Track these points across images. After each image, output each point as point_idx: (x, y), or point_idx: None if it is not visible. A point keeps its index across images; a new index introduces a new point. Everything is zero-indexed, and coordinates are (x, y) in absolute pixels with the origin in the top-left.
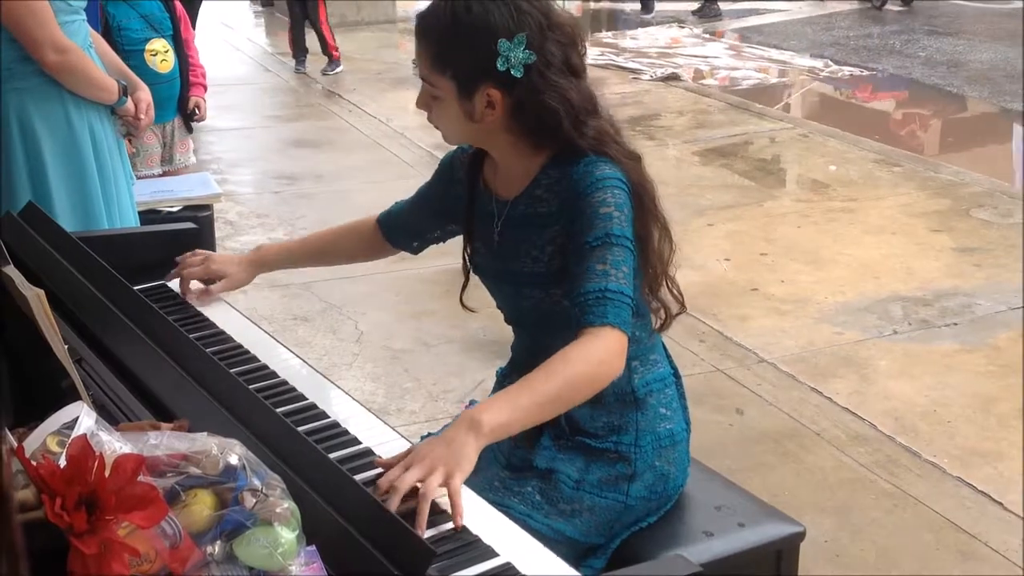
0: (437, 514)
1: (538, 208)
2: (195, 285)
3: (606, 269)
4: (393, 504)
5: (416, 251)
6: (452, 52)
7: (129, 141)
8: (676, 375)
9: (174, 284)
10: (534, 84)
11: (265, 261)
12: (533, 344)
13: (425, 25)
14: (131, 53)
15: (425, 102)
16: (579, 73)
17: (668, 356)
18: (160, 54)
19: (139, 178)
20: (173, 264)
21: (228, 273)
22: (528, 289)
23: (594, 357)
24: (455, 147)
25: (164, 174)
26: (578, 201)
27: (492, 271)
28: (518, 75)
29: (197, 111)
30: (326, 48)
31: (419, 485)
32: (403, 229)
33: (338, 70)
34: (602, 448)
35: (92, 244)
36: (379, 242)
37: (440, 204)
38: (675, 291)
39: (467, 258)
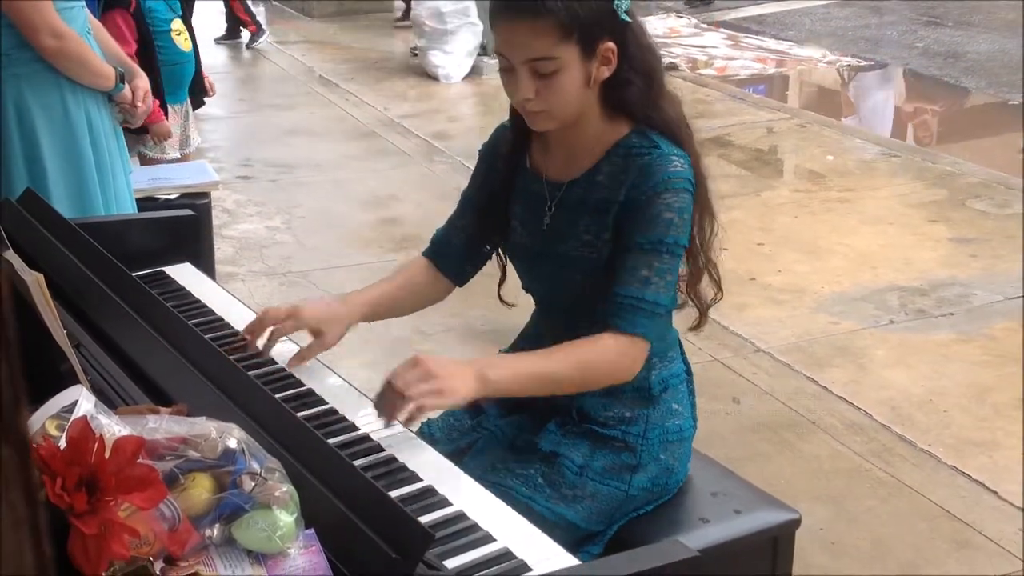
0: (436, 503)
1: (597, 193)
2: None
3: (649, 276)
4: (399, 408)
5: (467, 278)
6: (578, 14)
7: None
8: (688, 372)
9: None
10: (636, 28)
11: (354, 318)
12: (560, 327)
13: (537, 4)
14: (159, 34)
15: (532, 86)
16: None
17: (683, 352)
18: (183, 33)
19: (159, 160)
20: (176, 248)
21: (325, 331)
22: (571, 272)
23: (612, 358)
24: (491, 136)
25: (182, 158)
26: (643, 195)
27: (534, 253)
28: (628, 20)
29: (212, 89)
30: (242, 22)
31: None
32: (454, 252)
33: (262, 39)
34: (609, 435)
35: (89, 231)
36: (433, 278)
37: (487, 198)
38: (714, 274)
39: (502, 242)
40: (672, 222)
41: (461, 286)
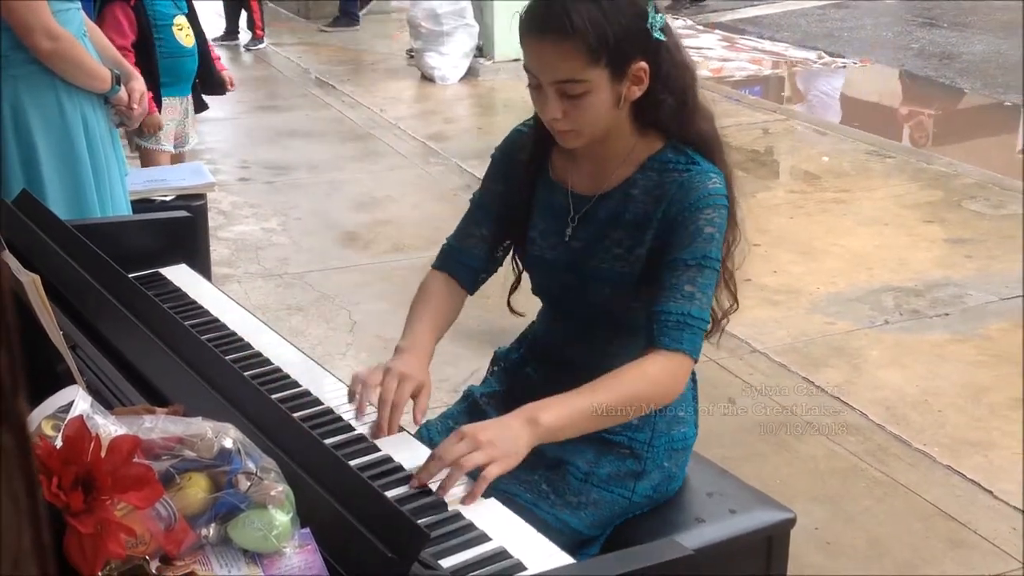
0: (432, 502)
1: (632, 208)
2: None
3: (693, 292)
4: (453, 479)
5: (479, 286)
6: (607, 35)
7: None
8: (694, 379)
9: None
10: (670, 45)
11: (430, 353)
12: (578, 335)
13: (566, 25)
14: (161, 27)
15: (560, 107)
16: None
17: None
18: (185, 28)
19: (155, 151)
20: (172, 249)
21: (425, 381)
22: (599, 286)
23: (661, 380)
24: (506, 141)
25: (177, 156)
26: (683, 212)
27: (557, 266)
28: (662, 38)
29: (231, 83)
30: (252, 25)
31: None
32: (473, 262)
33: (260, 47)
34: (615, 441)
35: (85, 232)
36: (455, 291)
37: (505, 208)
38: (731, 286)
39: (518, 250)
40: (713, 237)
41: (472, 294)
